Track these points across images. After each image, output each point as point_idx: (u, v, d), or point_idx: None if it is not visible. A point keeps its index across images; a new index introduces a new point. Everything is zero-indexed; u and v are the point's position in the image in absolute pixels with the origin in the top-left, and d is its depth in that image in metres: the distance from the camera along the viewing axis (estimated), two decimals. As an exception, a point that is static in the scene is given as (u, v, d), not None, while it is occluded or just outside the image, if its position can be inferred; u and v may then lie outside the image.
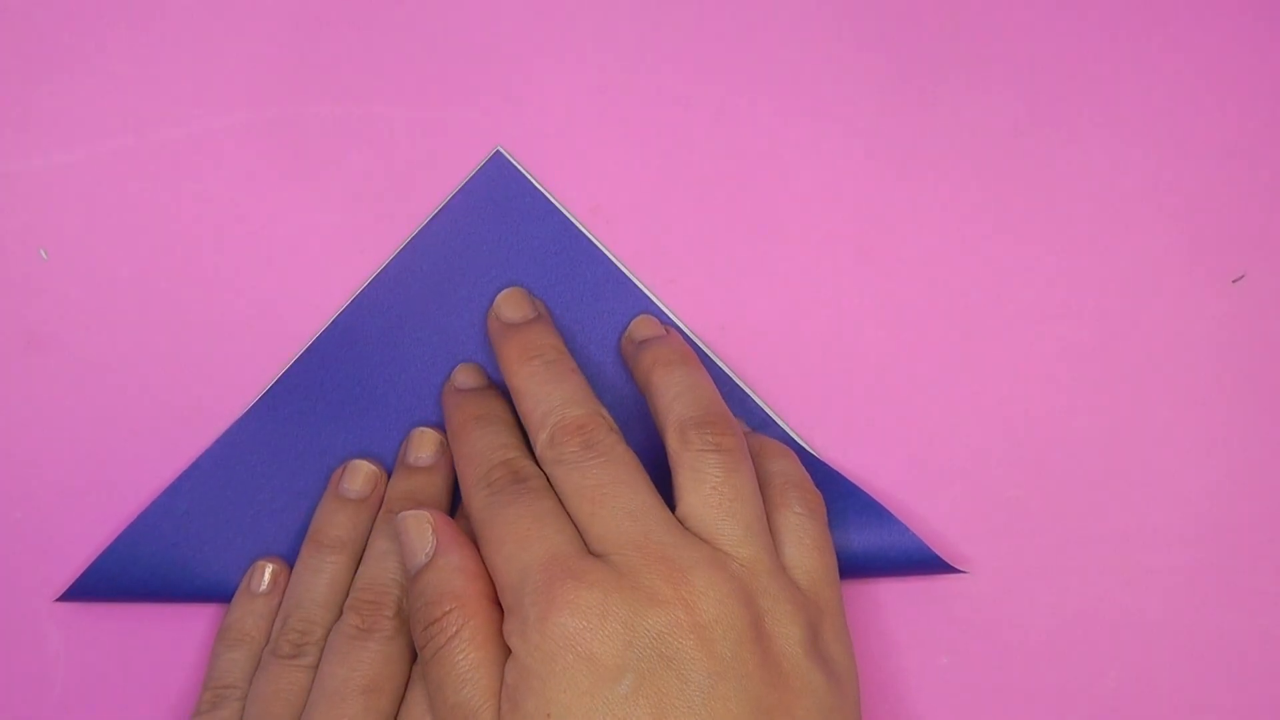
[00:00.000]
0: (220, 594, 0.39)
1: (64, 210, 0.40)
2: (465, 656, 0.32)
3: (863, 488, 0.39)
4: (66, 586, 0.38)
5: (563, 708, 0.30)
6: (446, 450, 0.38)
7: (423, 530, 0.34)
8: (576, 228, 0.40)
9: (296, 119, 0.40)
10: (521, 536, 0.33)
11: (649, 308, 0.39)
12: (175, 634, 0.39)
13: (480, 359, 0.39)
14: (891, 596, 0.39)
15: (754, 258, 0.40)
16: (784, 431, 0.39)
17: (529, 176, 0.40)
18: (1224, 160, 0.40)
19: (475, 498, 0.35)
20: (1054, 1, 0.41)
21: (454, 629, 0.32)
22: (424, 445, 0.38)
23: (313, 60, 0.40)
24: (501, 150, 0.40)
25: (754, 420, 0.39)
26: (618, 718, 0.30)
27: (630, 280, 0.40)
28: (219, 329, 0.40)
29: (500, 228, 0.40)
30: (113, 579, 0.38)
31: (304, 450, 0.39)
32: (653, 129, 0.40)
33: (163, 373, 0.39)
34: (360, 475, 0.38)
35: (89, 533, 0.39)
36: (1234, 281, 0.40)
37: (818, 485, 0.37)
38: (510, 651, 0.32)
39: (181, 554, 0.38)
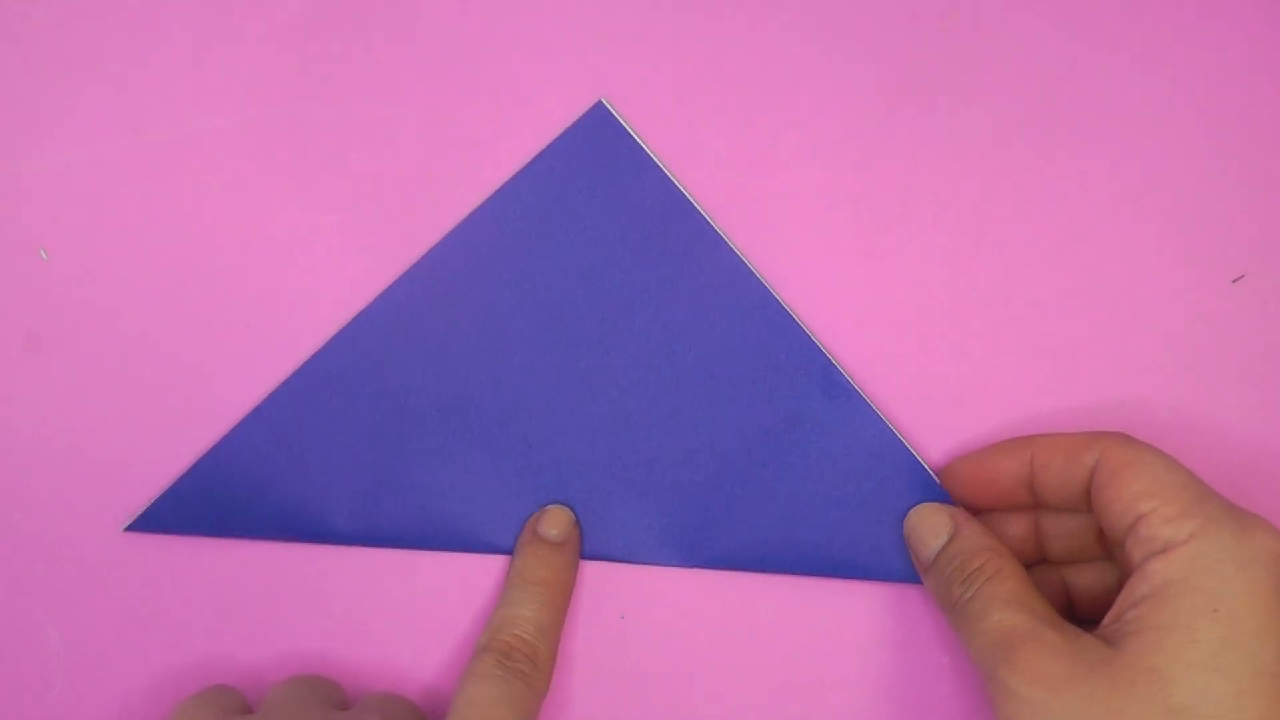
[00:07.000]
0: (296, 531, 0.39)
1: (64, 210, 0.40)
2: (1005, 587, 0.35)
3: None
4: (66, 586, 0.39)
5: None
6: (577, 527, 0.39)
7: (941, 515, 0.38)
8: (673, 183, 0.39)
9: (296, 119, 0.40)
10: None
11: (739, 268, 0.39)
12: (173, 634, 0.39)
13: (564, 305, 0.39)
14: (891, 596, 0.39)
15: (760, 245, 0.40)
16: (863, 401, 0.39)
17: (630, 129, 0.40)
18: (1224, 160, 0.40)
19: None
20: (1053, 3, 0.41)
21: (995, 569, 0.35)
22: (556, 522, 0.39)
23: (313, 60, 0.40)
24: (604, 101, 0.40)
25: (836, 390, 0.39)
26: None
27: (723, 240, 0.39)
28: (219, 329, 0.40)
29: (596, 177, 0.39)
30: (180, 512, 0.39)
31: (381, 390, 0.39)
32: (652, 129, 0.40)
33: (162, 373, 0.39)
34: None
35: (87, 533, 0.39)
36: (1234, 281, 0.40)
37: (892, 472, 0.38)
38: None
39: (256, 483, 0.39)
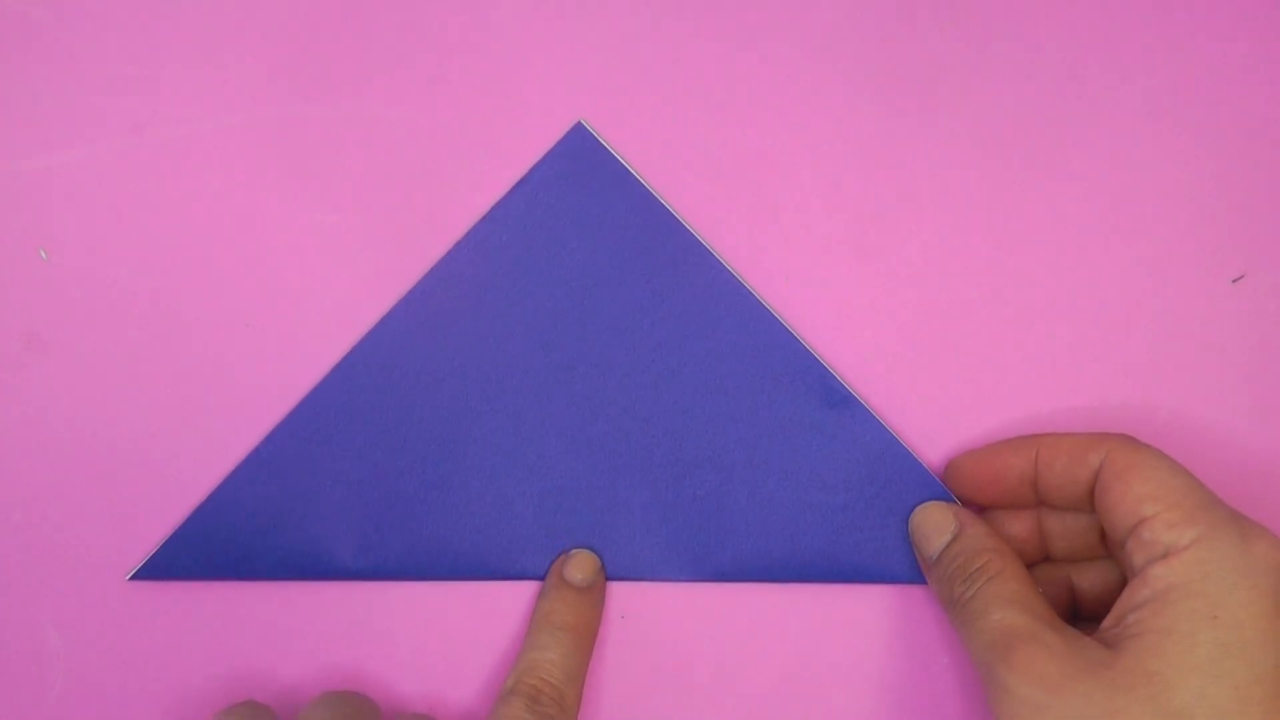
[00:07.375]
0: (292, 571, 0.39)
1: (64, 210, 0.40)
2: (1006, 587, 0.35)
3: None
4: (66, 587, 0.39)
5: None
6: (602, 571, 0.39)
7: (945, 514, 0.38)
8: (656, 199, 0.40)
9: (297, 119, 0.40)
10: None
11: (728, 280, 0.39)
12: (172, 636, 0.39)
13: (558, 328, 0.39)
14: (894, 597, 0.39)
15: (750, 256, 0.40)
16: (863, 407, 0.39)
17: (609, 148, 0.40)
18: (1224, 160, 0.40)
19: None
20: (1053, 3, 0.41)
21: (997, 569, 0.35)
22: (583, 567, 0.39)
23: (313, 60, 0.40)
24: (583, 122, 0.40)
25: (834, 398, 0.39)
26: None
27: (709, 253, 0.39)
28: (219, 329, 0.40)
29: (580, 199, 0.39)
30: (184, 558, 0.39)
31: (379, 424, 0.39)
32: (649, 130, 0.40)
33: (162, 371, 0.39)
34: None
35: (87, 534, 0.39)
36: (1234, 281, 0.40)
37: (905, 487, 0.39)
38: None
39: (259, 525, 0.39)
